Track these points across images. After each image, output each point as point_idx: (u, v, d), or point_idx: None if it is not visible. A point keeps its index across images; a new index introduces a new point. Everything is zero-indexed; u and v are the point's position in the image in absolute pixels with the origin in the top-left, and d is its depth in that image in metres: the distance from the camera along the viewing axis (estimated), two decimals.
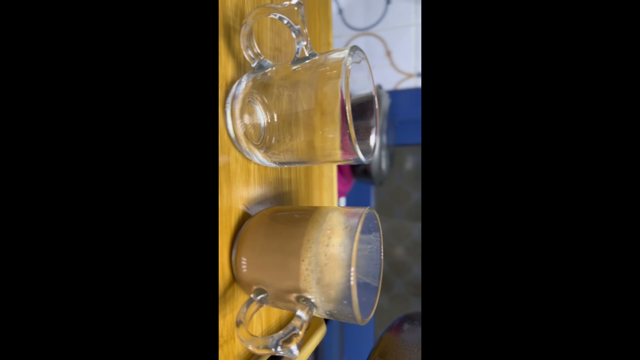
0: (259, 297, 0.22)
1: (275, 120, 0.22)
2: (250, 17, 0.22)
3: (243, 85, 0.24)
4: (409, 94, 0.99)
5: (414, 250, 1.08)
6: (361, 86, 0.25)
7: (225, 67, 0.25)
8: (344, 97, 0.19)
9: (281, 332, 0.19)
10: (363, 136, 0.25)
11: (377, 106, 0.25)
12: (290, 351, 0.19)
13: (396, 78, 1.01)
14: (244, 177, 0.26)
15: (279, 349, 0.19)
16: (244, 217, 0.26)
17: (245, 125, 0.24)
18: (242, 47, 0.24)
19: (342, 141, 0.21)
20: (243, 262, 0.23)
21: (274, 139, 0.23)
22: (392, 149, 0.91)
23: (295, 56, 0.23)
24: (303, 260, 0.20)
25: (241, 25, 0.23)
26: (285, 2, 0.21)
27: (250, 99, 0.23)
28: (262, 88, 0.23)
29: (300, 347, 0.19)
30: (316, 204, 0.40)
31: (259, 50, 0.24)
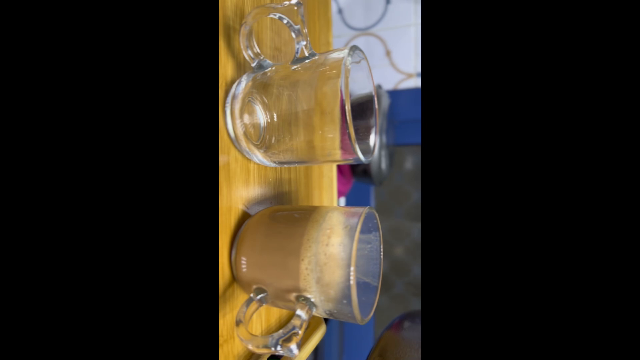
0: (258, 297, 0.22)
1: (275, 120, 0.22)
2: (250, 16, 0.22)
3: (243, 85, 0.24)
4: (409, 94, 0.99)
5: (413, 250, 1.08)
6: (361, 86, 0.25)
7: (225, 66, 0.25)
8: (344, 97, 0.19)
9: (281, 331, 0.19)
10: (363, 136, 0.25)
11: (376, 106, 0.25)
12: (290, 350, 0.19)
13: (396, 78, 1.01)
14: (243, 177, 0.26)
15: (278, 348, 0.19)
16: (244, 217, 0.26)
17: (245, 125, 0.24)
18: (241, 47, 0.24)
19: (342, 141, 0.21)
20: (243, 262, 0.23)
21: (273, 138, 0.23)
22: (392, 148, 0.91)
23: (295, 56, 0.23)
24: (303, 260, 0.20)
25: (241, 25, 0.23)
26: (284, 2, 0.21)
27: (250, 98, 0.23)
28: (262, 88, 0.23)
29: (299, 346, 0.19)
30: (316, 203, 0.40)
31: (258, 50, 0.24)
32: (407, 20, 1.00)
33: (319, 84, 0.21)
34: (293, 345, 0.19)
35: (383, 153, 0.82)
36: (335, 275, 0.19)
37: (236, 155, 0.25)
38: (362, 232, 0.24)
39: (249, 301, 0.21)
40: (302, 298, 0.20)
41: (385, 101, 0.82)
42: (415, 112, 0.98)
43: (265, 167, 0.29)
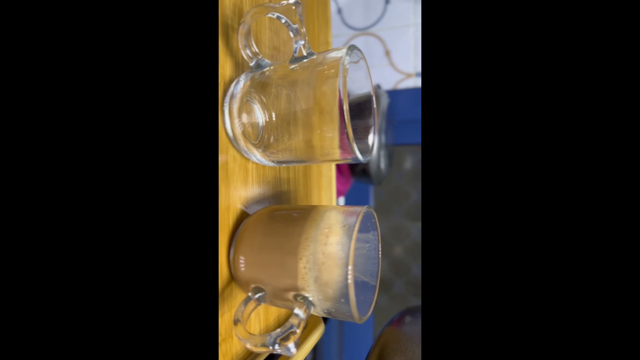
0: (256, 296, 0.22)
1: (274, 119, 0.22)
2: (248, 16, 0.22)
3: (241, 84, 0.24)
4: (408, 94, 0.99)
5: (413, 250, 1.09)
6: (359, 86, 0.25)
7: (224, 66, 0.25)
8: (342, 96, 0.19)
9: (279, 330, 0.19)
10: (361, 135, 0.25)
11: (375, 105, 0.25)
12: (288, 349, 0.19)
13: (395, 78, 1.01)
14: (242, 176, 0.26)
15: (276, 346, 0.19)
16: (242, 216, 0.26)
17: (243, 125, 0.24)
18: (240, 46, 0.24)
19: (341, 140, 0.21)
20: (241, 261, 0.23)
21: (272, 138, 0.23)
22: (391, 148, 0.91)
23: (293, 55, 0.23)
24: (301, 259, 0.20)
25: (239, 24, 0.23)
26: (283, 2, 0.21)
27: (248, 98, 0.23)
28: (260, 87, 0.23)
29: (297, 345, 0.19)
30: (315, 203, 0.40)
31: (257, 49, 0.24)
32: (406, 20, 1.00)
33: (318, 83, 0.21)
34: (291, 344, 0.19)
35: (382, 153, 0.82)
36: (333, 274, 0.19)
37: (234, 154, 0.25)
38: (360, 231, 0.24)
39: (247, 300, 0.21)
40: (300, 297, 0.20)
41: (385, 101, 0.82)
42: (414, 112, 0.98)
43: (264, 166, 0.29)
